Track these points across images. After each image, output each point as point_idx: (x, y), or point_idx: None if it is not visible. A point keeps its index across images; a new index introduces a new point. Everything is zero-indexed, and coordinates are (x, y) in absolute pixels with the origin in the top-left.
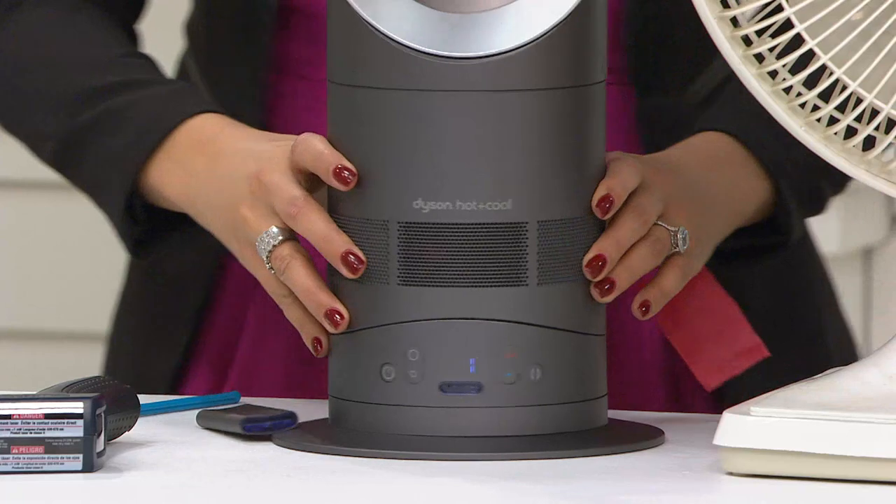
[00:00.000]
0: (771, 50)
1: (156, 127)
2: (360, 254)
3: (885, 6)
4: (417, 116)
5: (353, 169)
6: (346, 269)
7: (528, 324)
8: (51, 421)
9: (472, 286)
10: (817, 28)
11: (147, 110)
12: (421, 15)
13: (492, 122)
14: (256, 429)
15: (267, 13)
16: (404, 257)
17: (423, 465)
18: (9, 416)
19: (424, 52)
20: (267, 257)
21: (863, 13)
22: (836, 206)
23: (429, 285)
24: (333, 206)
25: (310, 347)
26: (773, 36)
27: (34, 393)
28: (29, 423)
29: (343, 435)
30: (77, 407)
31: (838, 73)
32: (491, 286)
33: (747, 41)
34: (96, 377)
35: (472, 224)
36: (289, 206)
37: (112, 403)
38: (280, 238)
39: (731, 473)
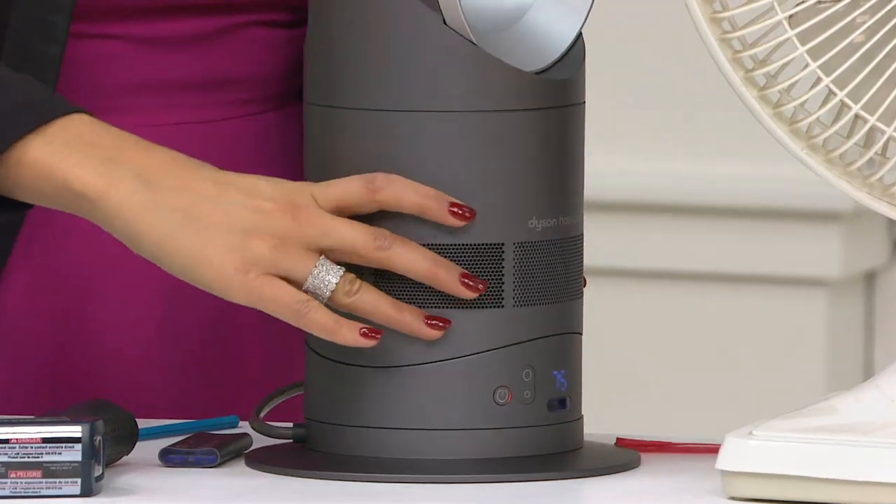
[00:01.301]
0: (773, 74)
1: (39, 106)
2: (471, 275)
3: (888, 28)
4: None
5: (466, 205)
6: (465, 290)
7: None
8: (49, 445)
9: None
10: (819, 50)
11: (15, 87)
12: None
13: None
14: (174, 461)
15: None
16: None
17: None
18: (6, 441)
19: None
20: (333, 289)
21: (865, 35)
22: (838, 231)
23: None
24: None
25: (361, 340)
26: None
27: (33, 417)
28: (27, 447)
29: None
30: (75, 431)
31: (840, 95)
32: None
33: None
34: (97, 401)
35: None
36: (375, 239)
37: (111, 428)
38: (342, 270)
39: (733, 498)
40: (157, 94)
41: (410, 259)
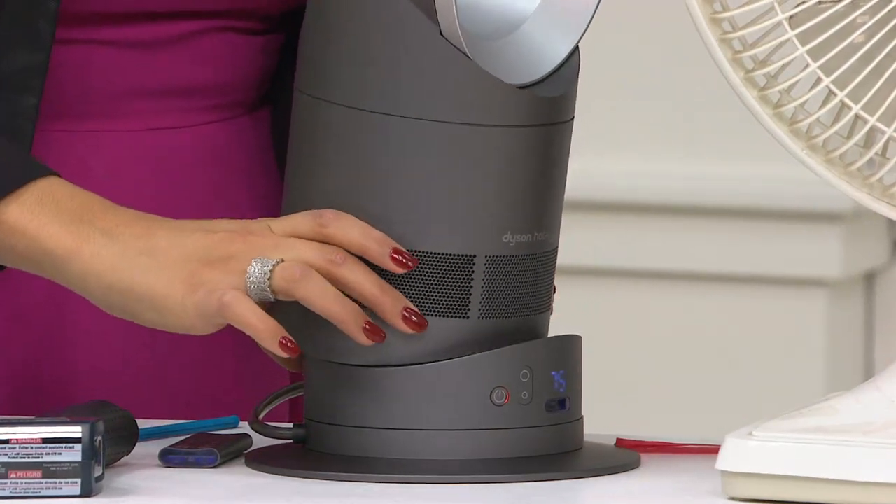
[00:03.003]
0: (773, 74)
1: (11, 170)
2: (416, 310)
3: (888, 29)
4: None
5: (408, 254)
6: (405, 325)
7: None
8: (49, 445)
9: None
10: (819, 51)
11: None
12: None
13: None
14: (174, 461)
15: None
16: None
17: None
18: (6, 441)
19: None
20: (270, 272)
21: (865, 36)
22: (839, 231)
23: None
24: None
25: (277, 348)
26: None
27: (33, 417)
28: (27, 447)
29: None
30: (75, 431)
31: (841, 95)
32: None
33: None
34: (97, 402)
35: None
36: (327, 254)
37: (111, 428)
38: (278, 259)
39: (733, 498)
40: (140, 99)
41: (359, 280)
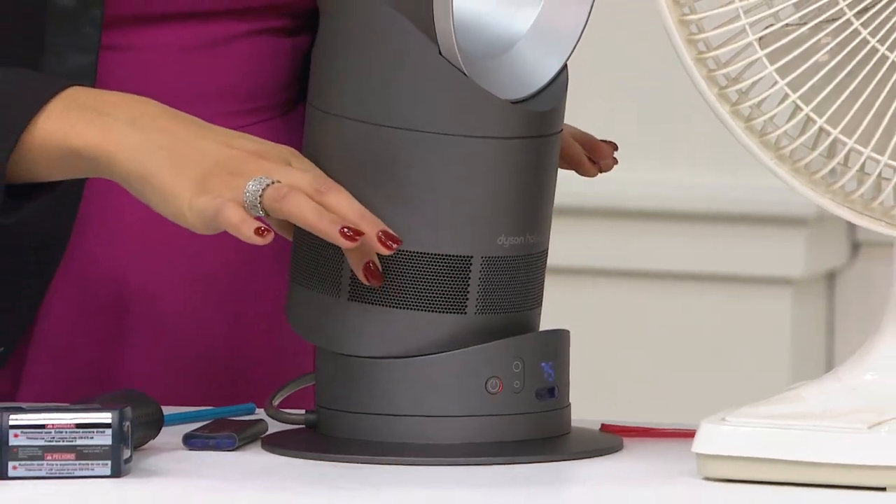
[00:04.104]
0: (744, 91)
1: (38, 89)
2: (393, 233)
3: (849, 49)
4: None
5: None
6: (381, 246)
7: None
8: (82, 430)
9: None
10: (787, 69)
11: (17, 81)
12: None
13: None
14: (196, 444)
15: None
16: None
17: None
18: (43, 426)
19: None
20: (262, 191)
21: (828, 56)
22: (803, 234)
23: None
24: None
25: (252, 238)
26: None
27: (67, 404)
28: (62, 432)
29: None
30: (106, 417)
31: (806, 110)
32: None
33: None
34: (126, 390)
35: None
36: (314, 183)
37: (138, 414)
38: (272, 180)
39: (707, 478)
40: (179, 104)
41: (342, 203)
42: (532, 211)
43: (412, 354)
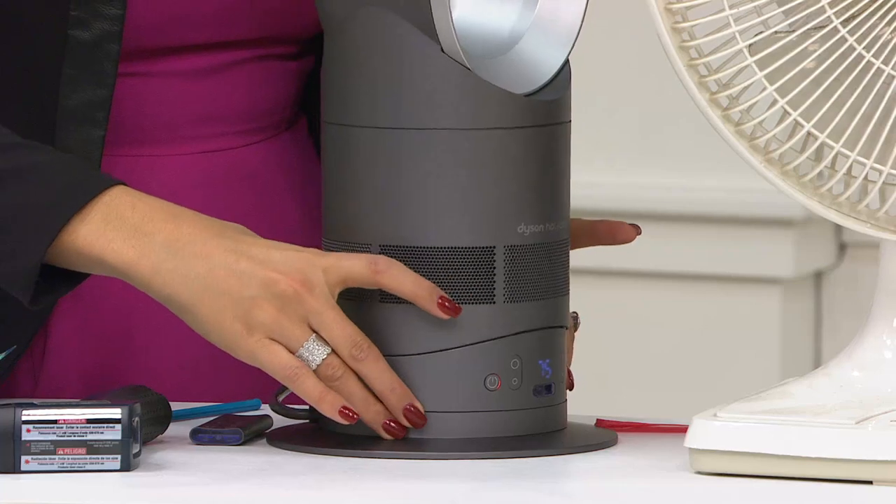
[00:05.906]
0: (735, 96)
1: (79, 188)
2: (420, 407)
3: (836, 56)
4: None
5: (453, 302)
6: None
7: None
8: (92, 425)
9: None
10: (775, 75)
11: (58, 172)
12: None
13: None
14: (203, 439)
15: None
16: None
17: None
18: (55, 421)
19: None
20: (318, 364)
21: (816, 62)
22: (791, 235)
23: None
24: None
25: (337, 416)
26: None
27: (78, 400)
28: (73, 427)
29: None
30: (115, 413)
31: (794, 115)
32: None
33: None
34: (135, 386)
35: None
36: (353, 348)
37: (147, 410)
38: (329, 349)
39: (699, 472)
40: (188, 125)
41: (373, 374)
42: (549, 199)
43: (414, 353)
